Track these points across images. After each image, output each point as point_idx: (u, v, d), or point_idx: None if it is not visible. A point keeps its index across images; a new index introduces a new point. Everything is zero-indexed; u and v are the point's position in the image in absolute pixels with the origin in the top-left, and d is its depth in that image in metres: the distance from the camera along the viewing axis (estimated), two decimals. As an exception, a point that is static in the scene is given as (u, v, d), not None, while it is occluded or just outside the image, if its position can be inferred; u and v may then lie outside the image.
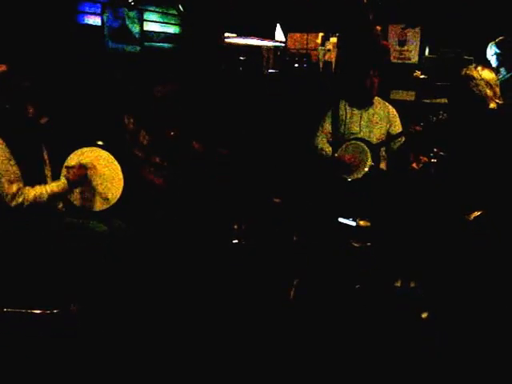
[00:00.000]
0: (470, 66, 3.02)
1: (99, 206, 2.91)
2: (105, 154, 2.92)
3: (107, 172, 2.90)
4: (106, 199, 2.89)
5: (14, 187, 2.51)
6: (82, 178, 2.79)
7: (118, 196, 2.88)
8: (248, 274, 3.20)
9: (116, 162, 2.90)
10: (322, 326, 2.76)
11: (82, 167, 2.79)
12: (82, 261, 2.57)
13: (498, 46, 3.87)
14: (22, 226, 2.57)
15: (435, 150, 3.09)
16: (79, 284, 2.56)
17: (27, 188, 2.57)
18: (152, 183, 3.35)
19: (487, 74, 2.95)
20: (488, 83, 2.93)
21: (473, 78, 2.93)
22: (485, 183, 2.81)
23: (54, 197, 2.65)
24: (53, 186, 2.66)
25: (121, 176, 2.89)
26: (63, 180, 2.72)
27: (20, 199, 2.52)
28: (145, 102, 3.54)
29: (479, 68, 2.99)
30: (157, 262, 3.06)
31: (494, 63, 3.89)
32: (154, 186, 3.34)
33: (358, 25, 4.58)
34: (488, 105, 2.92)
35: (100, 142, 2.95)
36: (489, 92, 2.92)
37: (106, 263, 2.63)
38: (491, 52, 3.90)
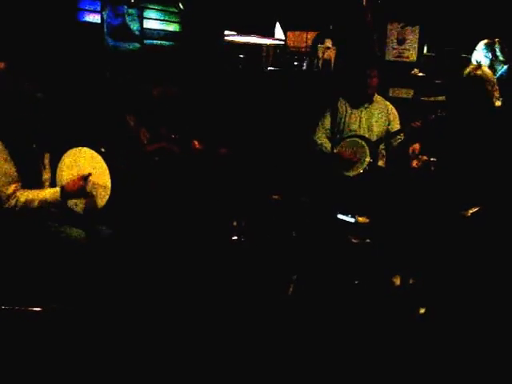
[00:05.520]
0: (474, 66, 3.03)
1: (88, 207, 2.79)
2: (97, 159, 2.77)
3: (97, 177, 2.77)
4: (95, 202, 2.77)
5: (11, 188, 2.49)
6: (79, 190, 2.68)
7: (106, 199, 2.75)
8: (247, 270, 3.21)
9: (105, 166, 2.75)
10: (321, 322, 2.77)
11: (80, 180, 2.69)
12: (58, 264, 2.52)
13: (486, 47, 3.90)
14: (5, 227, 2.54)
15: (425, 158, 3.13)
16: (58, 284, 2.51)
17: (21, 191, 2.54)
18: (170, 152, 3.42)
19: (490, 74, 2.99)
20: (493, 82, 2.96)
21: (481, 77, 2.95)
22: (482, 179, 2.83)
23: (45, 204, 2.59)
24: (46, 193, 2.61)
25: (109, 181, 2.74)
26: (57, 189, 2.65)
27: (13, 201, 2.50)
28: (145, 100, 3.55)
29: (483, 68, 3.01)
30: (155, 259, 3.07)
31: (485, 64, 3.91)
32: (173, 154, 3.42)
33: (356, 26, 4.61)
34: (494, 103, 2.96)
35: (103, 149, 2.82)
36: (495, 92, 2.96)
37: (82, 267, 2.57)
38: (481, 54, 3.92)
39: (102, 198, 2.77)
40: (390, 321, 2.78)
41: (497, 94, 2.98)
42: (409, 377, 2.43)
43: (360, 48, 4.76)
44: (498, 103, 2.97)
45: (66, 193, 2.65)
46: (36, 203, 2.56)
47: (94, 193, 2.76)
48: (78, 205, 2.78)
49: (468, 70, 3.01)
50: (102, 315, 2.61)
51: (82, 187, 2.69)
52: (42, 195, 2.60)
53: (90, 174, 2.71)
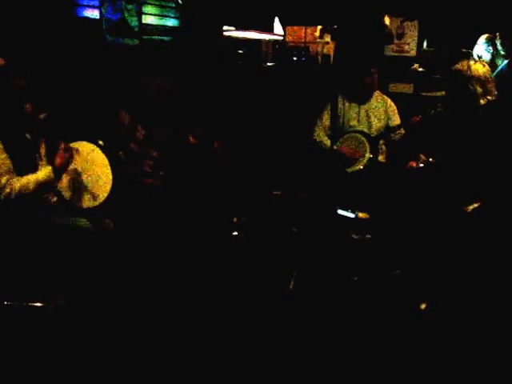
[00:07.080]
0: (463, 62, 2.99)
1: (87, 203, 2.80)
2: (97, 151, 2.81)
3: (98, 169, 2.79)
4: (95, 197, 2.79)
5: (4, 179, 2.48)
6: (66, 161, 2.65)
7: (106, 194, 2.78)
8: (247, 266, 3.22)
9: (107, 160, 2.79)
10: (321, 318, 2.77)
11: (67, 149, 2.66)
12: (65, 256, 2.53)
13: (487, 42, 3.90)
14: (7, 220, 2.53)
15: (424, 158, 3.12)
16: (64, 279, 2.52)
17: (15, 179, 2.52)
18: (149, 186, 3.29)
19: (479, 70, 2.92)
20: (479, 80, 2.89)
21: (463, 74, 2.92)
22: (482, 175, 2.83)
23: (39, 186, 2.56)
24: (38, 174, 2.58)
25: (110, 175, 2.78)
26: (49, 167, 2.62)
27: (7, 190, 2.47)
28: (142, 96, 3.54)
29: (471, 63, 2.95)
30: (154, 255, 3.07)
31: (486, 58, 3.91)
32: (152, 188, 3.29)
33: (358, 19, 4.59)
34: (478, 101, 2.92)
35: (101, 142, 2.85)
36: (479, 89, 2.90)
37: (89, 259, 2.58)
38: (482, 48, 3.92)
39: (103, 191, 2.79)
40: (390, 316, 2.79)
41: (480, 91, 2.91)
42: (409, 373, 2.43)
43: (360, 44, 4.75)
44: (483, 101, 2.91)
45: (57, 168, 2.62)
46: (31, 186, 2.52)
47: (94, 185, 2.79)
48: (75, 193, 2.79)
49: (456, 65, 2.98)
50: (104, 306, 2.62)
51: (69, 157, 2.65)
52: (35, 177, 2.56)
53: (76, 149, 2.72)
